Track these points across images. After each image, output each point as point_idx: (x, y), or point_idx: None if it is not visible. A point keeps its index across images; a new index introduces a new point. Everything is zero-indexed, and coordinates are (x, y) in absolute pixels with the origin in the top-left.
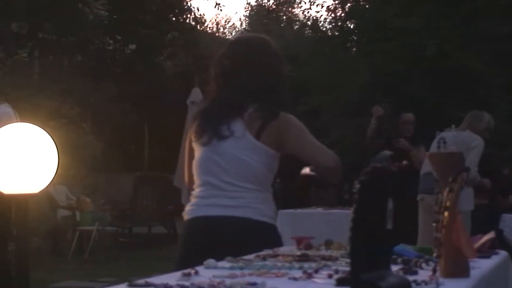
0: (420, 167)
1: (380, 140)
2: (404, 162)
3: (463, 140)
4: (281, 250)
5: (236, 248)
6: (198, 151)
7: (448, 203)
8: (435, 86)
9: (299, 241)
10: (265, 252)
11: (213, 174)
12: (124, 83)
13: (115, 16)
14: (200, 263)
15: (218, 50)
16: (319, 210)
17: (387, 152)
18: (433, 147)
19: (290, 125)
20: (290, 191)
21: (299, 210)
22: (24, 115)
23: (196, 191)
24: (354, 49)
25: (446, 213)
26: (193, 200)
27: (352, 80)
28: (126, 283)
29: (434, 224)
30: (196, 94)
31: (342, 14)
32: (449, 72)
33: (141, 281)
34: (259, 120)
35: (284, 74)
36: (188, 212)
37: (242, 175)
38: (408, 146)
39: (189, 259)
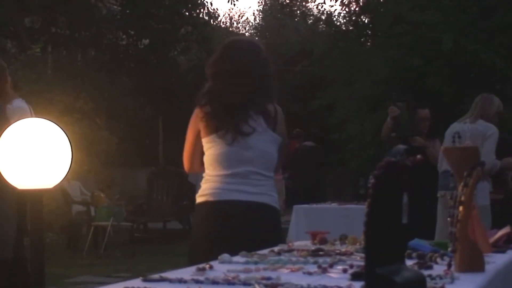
0: (436, 162)
1: (396, 139)
2: (419, 156)
3: (478, 132)
4: (296, 244)
5: (252, 229)
6: (221, 147)
7: (463, 198)
8: (452, 80)
9: (314, 236)
10: (280, 247)
11: (242, 165)
12: (138, 77)
13: (128, 11)
14: (221, 244)
15: (214, 53)
16: (334, 205)
17: (401, 146)
18: (448, 142)
19: (282, 116)
20: (299, 182)
21: (314, 205)
22: (38, 110)
23: (221, 178)
24: (369, 44)
25: (461, 208)
26: (215, 184)
27: (367, 74)
28: (141, 278)
29: (449, 219)
30: None
31: (357, 8)
32: (466, 66)
33: (156, 276)
34: (271, 115)
35: (273, 73)
36: (211, 194)
37: (267, 165)
38: (424, 143)
39: (209, 240)
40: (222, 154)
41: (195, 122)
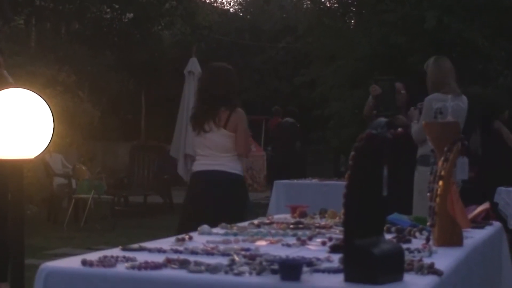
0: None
1: (377, 118)
2: (400, 129)
3: (460, 109)
4: (276, 218)
5: (217, 188)
6: (194, 138)
7: (443, 173)
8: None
9: (293, 210)
10: (260, 219)
11: (204, 150)
12: (121, 52)
13: None
14: (199, 200)
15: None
16: (315, 181)
17: (382, 119)
18: (429, 117)
19: (239, 119)
20: (279, 157)
21: (295, 181)
22: (20, 82)
23: (197, 158)
24: (353, 21)
25: (440, 183)
26: (195, 163)
27: (351, 52)
28: (120, 247)
29: (428, 193)
30: (193, 64)
31: None
32: (449, 45)
33: (135, 246)
34: (225, 116)
35: (236, 86)
36: (193, 168)
37: (219, 148)
38: (406, 122)
39: (193, 198)
40: (194, 143)
41: None
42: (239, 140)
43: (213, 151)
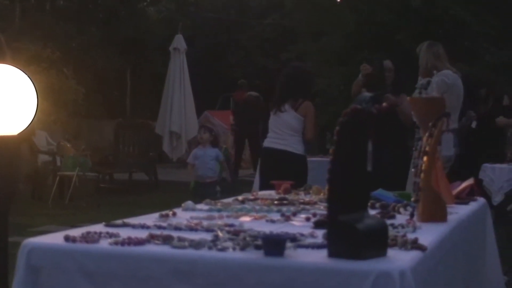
0: (407, 120)
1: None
2: (384, 104)
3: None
4: (260, 194)
5: (283, 165)
6: (271, 117)
7: (427, 148)
8: (422, 36)
9: (278, 186)
10: (244, 195)
11: (276, 128)
12: (107, 28)
13: None
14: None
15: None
16: None
17: (367, 94)
18: (415, 93)
19: (309, 107)
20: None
21: None
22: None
23: (269, 135)
24: None
25: (425, 158)
26: (267, 139)
27: (338, 28)
28: (104, 223)
29: (413, 169)
30: (179, 41)
31: None
32: (436, 22)
33: (119, 222)
34: (298, 103)
35: (311, 84)
36: (264, 143)
37: (289, 128)
38: (395, 101)
39: (263, 171)
40: (270, 121)
41: None
42: (308, 125)
43: (284, 130)
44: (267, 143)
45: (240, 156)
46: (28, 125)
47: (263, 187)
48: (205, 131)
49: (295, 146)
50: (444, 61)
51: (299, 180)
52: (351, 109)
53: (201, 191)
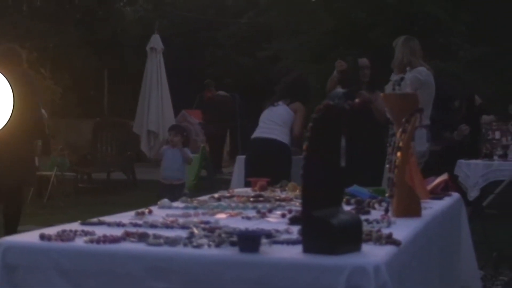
0: (382, 117)
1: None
2: (357, 100)
3: (417, 80)
4: (237, 191)
5: (268, 153)
6: (263, 112)
7: (401, 144)
8: (397, 33)
9: (254, 183)
10: (220, 193)
11: (267, 119)
12: (84, 28)
13: None
14: (257, 162)
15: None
16: None
17: (340, 90)
18: (388, 89)
19: (300, 106)
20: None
21: None
22: None
23: (259, 127)
24: None
25: (399, 154)
26: (256, 130)
27: (314, 26)
28: (79, 221)
29: (387, 165)
30: (155, 40)
31: None
32: (411, 19)
33: (94, 220)
34: (289, 101)
35: (308, 91)
36: (253, 134)
37: (279, 119)
38: (369, 97)
39: (249, 161)
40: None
41: None
42: (297, 120)
43: (274, 120)
44: (255, 134)
45: (219, 154)
46: (5, 125)
47: (249, 176)
48: (176, 133)
49: (282, 136)
50: (419, 58)
51: (283, 169)
52: (323, 105)
53: (168, 195)
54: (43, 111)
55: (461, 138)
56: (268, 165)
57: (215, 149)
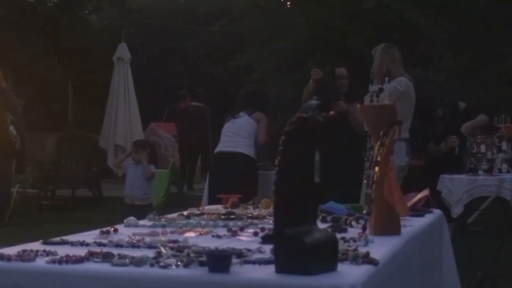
0: (360, 128)
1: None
2: (332, 112)
3: (397, 91)
4: (207, 208)
5: (233, 168)
6: (225, 125)
7: (379, 158)
8: (375, 41)
9: (225, 200)
10: (190, 210)
11: (230, 132)
12: (47, 37)
13: None
14: (222, 176)
15: None
16: None
17: (313, 102)
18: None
19: (262, 115)
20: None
21: None
22: None
23: (221, 140)
24: (289, 3)
25: (377, 169)
26: (219, 144)
27: (288, 34)
28: (41, 240)
29: (365, 180)
30: (122, 50)
31: None
32: (389, 26)
33: (57, 239)
34: (250, 112)
35: (267, 100)
36: (216, 148)
37: (243, 131)
38: (346, 108)
39: (213, 177)
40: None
41: None
42: (261, 129)
43: (237, 133)
44: (218, 148)
45: (192, 167)
46: None
47: (212, 194)
48: (137, 150)
49: (247, 148)
50: (399, 66)
51: (248, 183)
52: (296, 117)
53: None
54: (11, 127)
55: (448, 150)
56: (234, 180)
57: (190, 161)
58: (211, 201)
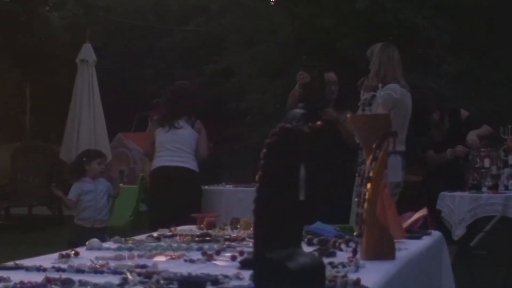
0: (351, 141)
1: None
2: (319, 122)
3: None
4: (179, 229)
5: (181, 182)
6: (163, 135)
7: (371, 173)
8: (369, 43)
9: (200, 220)
10: (160, 231)
11: (171, 145)
12: (3, 37)
13: None
14: (164, 194)
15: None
16: (229, 187)
17: (298, 111)
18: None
19: (201, 124)
20: None
21: (206, 187)
22: None
23: (163, 154)
24: (273, 0)
25: (369, 185)
26: (160, 158)
27: (271, 35)
28: None
29: (356, 199)
30: (87, 51)
31: None
32: (384, 27)
33: (10, 264)
34: (191, 121)
35: (199, 99)
36: (155, 163)
37: (186, 145)
38: (336, 117)
39: (157, 193)
40: (161, 139)
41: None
42: (202, 142)
43: (180, 147)
44: (159, 162)
45: None
46: None
47: (155, 214)
48: (100, 161)
49: (192, 163)
50: (397, 69)
51: (194, 200)
52: (279, 128)
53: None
54: None
55: (453, 157)
56: (180, 196)
57: None
58: (156, 222)
